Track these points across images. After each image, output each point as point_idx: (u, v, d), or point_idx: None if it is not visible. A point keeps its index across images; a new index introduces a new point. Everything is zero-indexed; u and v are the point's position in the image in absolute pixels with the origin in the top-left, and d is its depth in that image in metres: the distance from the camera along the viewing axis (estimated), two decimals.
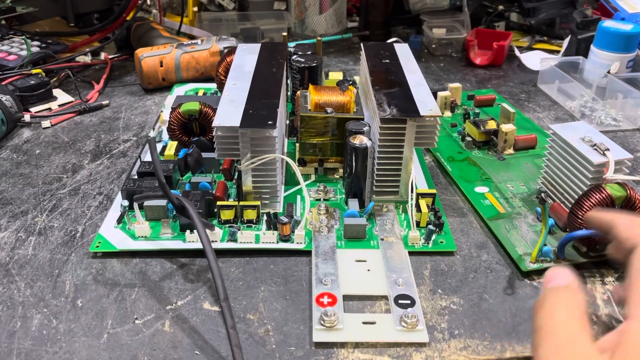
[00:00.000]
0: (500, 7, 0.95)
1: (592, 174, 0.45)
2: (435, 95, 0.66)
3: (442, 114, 0.68)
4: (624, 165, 0.46)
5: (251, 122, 0.46)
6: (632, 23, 0.74)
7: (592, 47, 0.75)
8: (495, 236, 0.47)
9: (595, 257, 0.44)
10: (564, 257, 0.44)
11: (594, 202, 0.42)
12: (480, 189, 0.53)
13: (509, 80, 0.79)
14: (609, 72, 0.71)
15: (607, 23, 0.74)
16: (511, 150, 0.59)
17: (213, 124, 0.45)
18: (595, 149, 0.45)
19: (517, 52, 0.84)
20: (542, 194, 0.41)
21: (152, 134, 0.46)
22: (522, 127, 0.63)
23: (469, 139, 0.61)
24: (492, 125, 0.60)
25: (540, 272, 0.43)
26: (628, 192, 0.43)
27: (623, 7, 0.81)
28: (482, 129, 0.60)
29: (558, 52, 0.85)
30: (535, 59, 0.82)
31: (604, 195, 0.42)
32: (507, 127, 0.58)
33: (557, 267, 0.35)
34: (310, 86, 0.54)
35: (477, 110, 0.68)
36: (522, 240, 0.46)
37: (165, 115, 0.46)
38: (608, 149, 0.45)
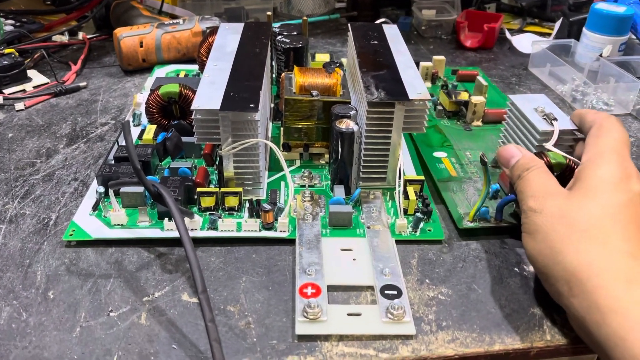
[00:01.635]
0: None
1: (538, 141, 0.45)
2: (417, 65, 0.67)
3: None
4: (570, 135, 0.46)
5: (232, 105, 0.43)
6: (625, 5, 0.72)
7: (584, 29, 0.74)
8: (441, 197, 0.48)
9: None
10: (501, 219, 0.45)
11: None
12: (439, 154, 0.54)
13: (500, 64, 0.77)
14: (601, 55, 0.69)
15: (600, 5, 0.72)
16: (479, 123, 0.60)
17: (192, 107, 0.43)
18: (545, 119, 0.46)
19: (507, 34, 0.82)
20: (482, 155, 0.41)
21: (127, 117, 0.43)
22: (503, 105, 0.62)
23: (440, 107, 0.62)
24: (464, 96, 0.61)
25: (476, 232, 0.45)
26: (567, 160, 0.43)
27: None
28: (453, 98, 0.60)
29: (549, 34, 0.83)
30: (526, 42, 0.80)
31: (543, 161, 0.43)
32: (476, 99, 0.59)
33: (506, 147, 0.43)
34: (295, 68, 0.52)
35: (455, 84, 0.68)
36: (465, 201, 0.48)
37: (139, 97, 0.44)
38: (556, 119, 0.46)
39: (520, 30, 0.87)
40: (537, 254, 0.36)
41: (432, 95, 0.66)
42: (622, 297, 0.31)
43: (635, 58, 0.71)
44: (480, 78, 0.64)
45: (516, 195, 0.41)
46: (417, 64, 0.69)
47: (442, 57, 0.70)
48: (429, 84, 0.70)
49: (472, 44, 0.81)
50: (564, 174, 0.43)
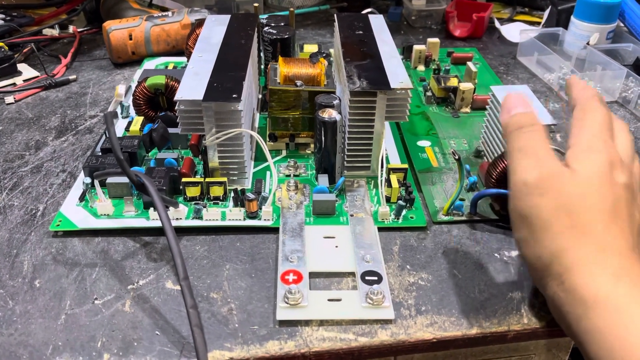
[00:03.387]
0: None
1: None
2: (410, 49, 0.68)
3: (416, 67, 0.71)
4: (548, 130, 0.45)
5: (215, 96, 0.44)
6: None
7: (572, 18, 0.74)
8: (420, 188, 0.49)
9: (505, 216, 0.45)
10: (476, 212, 0.45)
11: (506, 163, 0.43)
12: (423, 143, 0.55)
13: (489, 53, 0.78)
14: (588, 43, 0.70)
15: None
16: (468, 109, 0.61)
17: (175, 98, 0.44)
18: None
19: (497, 23, 0.82)
20: (452, 150, 0.42)
21: (110, 108, 0.44)
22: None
23: (429, 94, 0.62)
24: (453, 82, 0.61)
25: (450, 224, 0.45)
26: None
27: None
28: (442, 85, 0.61)
29: (539, 23, 0.83)
30: (515, 31, 0.80)
31: None
32: (465, 86, 0.59)
33: (514, 96, 0.39)
34: (280, 58, 0.53)
35: (448, 67, 0.69)
36: (443, 193, 0.48)
37: (121, 89, 0.44)
38: None
39: (510, 19, 0.87)
40: (530, 240, 0.34)
41: (424, 80, 0.66)
42: (607, 291, 0.30)
43: (623, 45, 0.71)
44: (470, 64, 0.64)
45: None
46: (410, 48, 0.70)
47: (436, 40, 0.71)
48: (422, 67, 0.71)
49: (461, 33, 0.81)
50: None
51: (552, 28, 0.76)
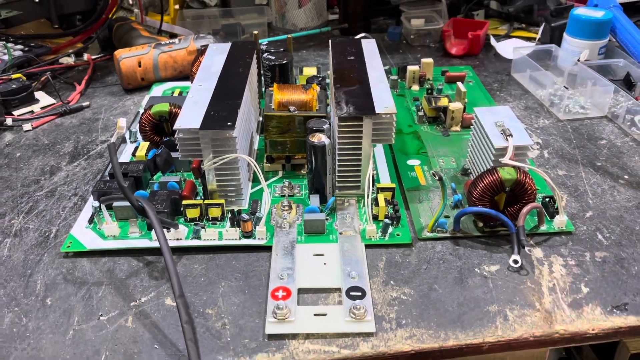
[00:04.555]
0: None
1: (494, 156, 0.48)
2: (405, 69, 0.71)
3: (410, 87, 0.74)
4: (526, 150, 0.48)
5: (211, 124, 0.47)
6: (604, 10, 0.74)
7: (564, 34, 0.76)
8: (407, 206, 0.51)
9: (487, 232, 0.48)
10: (459, 229, 0.48)
11: (486, 183, 0.46)
12: (412, 162, 0.57)
13: (484, 70, 0.80)
14: (578, 59, 0.71)
15: (579, 10, 0.74)
16: (458, 128, 0.63)
17: (174, 127, 0.47)
18: (502, 134, 0.48)
19: (492, 41, 0.85)
20: (433, 171, 0.45)
21: (112, 139, 0.48)
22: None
23: (421, 113, 0.65)
24: (444, 102, 0.64)
25: (434, 240, 0.48)
26: (519, 175, 0.45)
27: None
28: (432, 105, 0.64)
29: (535, 39, 0.85)
30: (510, 48, 0.82)
31: (494, 177, 0.46)
32: (454, 106, 0.62)
33: None
34: (275, 85, 0.56)
35: (440, 86, 0.71)
36: (429, 211, 0.51)
37: (122, 122, 0.48)
38: (511, 135, 0.48)
39: (507, 36, 0.90)
40: None
41: (417, 99, 0.69)
42: None
43: (614, 61, 0.73)
44: (460, 84, 0.67)
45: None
46: (405, 68, 0.73)
47: (430, 60, 0.74)
48: (416, 87, 0.74)
49: (457, 51, 0.84)
50: (514, 190, 0.46)
51: (545, 45, 0.78)
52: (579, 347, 0.65)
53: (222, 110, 0.49)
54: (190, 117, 0.48)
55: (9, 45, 0.79)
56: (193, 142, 0.48)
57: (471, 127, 0.53)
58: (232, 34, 0.92)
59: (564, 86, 0.69)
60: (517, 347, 0.39)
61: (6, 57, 0.77)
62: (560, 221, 0.48)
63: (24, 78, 0.73)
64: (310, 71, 0.74)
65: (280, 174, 0.57)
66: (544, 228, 0.48)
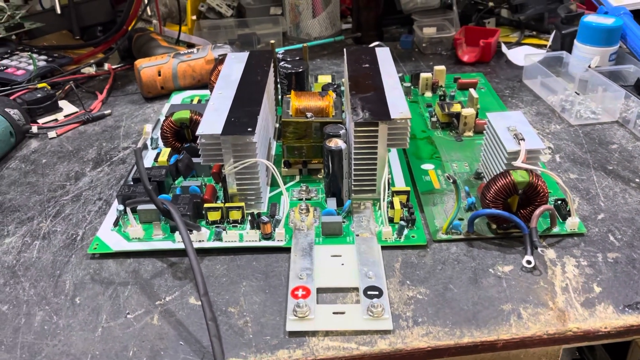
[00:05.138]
0: (490, 4, 0.97)
1: (507, 159, 0.49)
2: (418, 76, 0.72)
3: (423, 93, 0.75)
4: (538, 153, 0.49)
5: (232, 130, 0.49)
6: (614, 17, 0.75)
7: (575, 41, 0.77)
8: (422, 208, 0.53)
9: (500, 234, 0.49)
10: (473, 231, 0.49)
11: (499, 185, 0.47)
12: (426, 166, 0.59)
13: (495, 77, 0.81)
14: (589, 66, 0.73)
15: (589, 17, 0.75)
16: (470, 133, 0.64)
17: (197, 133, 0.49)
18: (514, 138, 0.49)
19: (504, 48, 0.86)
20: (447, 175, 0.46)
21: (139, 144, 0.50)
22: None
23: (434, 119, 0.66)
24: (456, 108, 0.65)
25: (448, 242, 0.49)
26: (531, 178, 0.46)
27: (608, 0, 0.82)
28: (445, 110, 0.65)
29: (546, 46, 0.86)
30: (522, 55, 0.84)
31: (507, 180, 0.47)
32: (467, 111, 0.63)
33: None
34: (292, 92, 0.58)
35: (454, 93, 0.72)
36: (443, 213, 0.52)
37: (148, 127, 0.50)
38: (523, 139, 0.49)
39: (518, 43, 0.91)
40: None
41: (430, 106, 0.70)
42: None
43: (625, 67, 0.74)
44: (472, 90, 0.68)
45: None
46: (417, 76, 0.74)
47: (442, 67, 0.76)
48: (429, 94, 0.75)
49: (469, 58, 0.85)
50: (527, 192, 0.47)
51: (556, 52, 0.80)
52: (592, 348, 0.66)
53: (242, 117, 0.51)
54: (212, 124, 0.50)
55: (34, 56, 0.82)
56: (215, 147, 0.50)
57: (484, 131, 0.55)
58: (247, 44, 0.95)
59: (575, 92, 0.70)
60: (531, 344, 0.40)
61: (31, 67, 0.80)
62: (573, 223, 0.49)
63: (49, 87, 0.76)
64: (324, 79, 0.76)
65: (297, 178, 0.58)
66: (556, 230, 0.49)
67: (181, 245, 0.49)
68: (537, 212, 0.47)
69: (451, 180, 0.47)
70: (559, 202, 0.51)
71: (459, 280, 0.45)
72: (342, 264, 0.46)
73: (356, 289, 0.44)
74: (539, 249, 0.47)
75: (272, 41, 0.69)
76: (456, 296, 0.43)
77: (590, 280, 0.44)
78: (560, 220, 0.50)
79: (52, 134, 0.70)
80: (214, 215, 0.51)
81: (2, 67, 0.80)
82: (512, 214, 0.47)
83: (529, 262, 0.45)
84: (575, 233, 0.49)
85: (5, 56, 0.84)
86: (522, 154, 0.48)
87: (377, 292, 0.43)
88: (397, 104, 0.52)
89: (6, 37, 0.86)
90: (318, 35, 0.99)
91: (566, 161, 0.60)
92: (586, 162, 0.59)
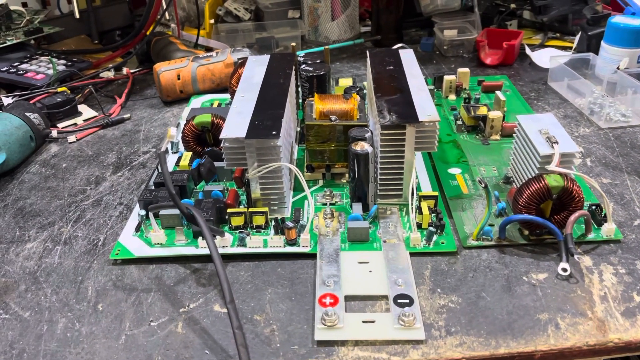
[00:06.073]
0: (512, 6, 0.95)
1: (540, 163, 0.47)
2: (441, 79, 0.71)
3: (447, 96, 0.74)
4: (572, 157, 0.48)
5: (256, 133, 0.48)
6: None
7: (602, 43, 0.75)
8: (450, 214, 0.51)
9: (533, 240, 0.48)
10: (505, 237, 0.47)
11: (532, 190, 0.45)
12: (453, 170, 0.57)
13: (520, 80, 0.79)
14: (618, 67, 0.71)
15: (616, 18, 0.74)
16: (497, 137, 0.63)
17: (220, 136, 0.48)
18: (547, 141, 0.48)
19: (527, 50, 0.84)
20: (479, 179, 0.44)
21: (163, 147, 0.49)
22: None
23: (459, 122, 0.65)
24: (482, 111, 0.63)
25: (479, 249, 0.47)
26: (566, 183, 0.45)
27: (634, 1, 0.80)
28: (471, 113, 0.63)
29: (571, 48, 0.85)
30: (546, 57, 0.82)
31: (541, 184, 0.45)
32: (494, 114, 0.62)
33: None
34: (315, 95, 0.56)
35: (478, 96, 0.71)
36: (473, 219, 0.50)
37: (173, 131, 0.49)
38: (557, 142, 0.47)
39: (542, 45, 0.89)
40: None
41: (455, 109, 0.69)
42: None
43: None
44: (498, 93, 0.67)
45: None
46: (441, 78, 0.73)
47: (466, 70, 0.74)
48: (453, 97, 0.73)
49: (492, 61, 0.84)
50: (561, 197, 0.46)
51: (582, 53, 0.78)
52: (627, 357, 0.63)
53: (265, 120, 0.50)
54: (235, 127, 0.49)
55: (54, 60, 0.81)
56: (238, 151, 0.49)
57: (514, 135, 0.53)
58: (266, 47, 0.94)
59: (604, 94, 0.69)
60: (570, 356, 0.38)
61: (50, 72, 0.80)
62: (609, 229, 0.47)
63: (69, 91, 0.75)
64: (345, 82, 0.75)
65: (321, 182, 0.57)
66: (591, 236, 0.47)
67: (204, 251, 0.48)
68: (573, 217, 0.45)
69: (482, 185, 0.45)
70: (593, 207, 0.50)
71: (491, 288, 0.43)
72: (370, 271, 0.45)
73: (385, 297, 0.43)
74: (575, 256, 0.45)
75: (294, 44, 0.68)
76: (490, 305, 0.42)
77: (630, 288, 0.42)
78: (595, 227, 0.48)
79: (71, 138, 0.70)
80: (237, 220, 0.50)
81: (21, 72, 0.80)
82: (545, 219, 0.46)
83: (564, 269, 0.43)
84: (612, 240, 0.47)
85: (25, 60, 0.84)
86: (555, 157, 0.46)
87: (407, 301, 0.41)
88: (425, 107, 0.50)
89: (25, 41, 0.86)
90: (337, 39, 0.98)
91: (597, 165, 0.58)
92: (618, 166, 0.57)
